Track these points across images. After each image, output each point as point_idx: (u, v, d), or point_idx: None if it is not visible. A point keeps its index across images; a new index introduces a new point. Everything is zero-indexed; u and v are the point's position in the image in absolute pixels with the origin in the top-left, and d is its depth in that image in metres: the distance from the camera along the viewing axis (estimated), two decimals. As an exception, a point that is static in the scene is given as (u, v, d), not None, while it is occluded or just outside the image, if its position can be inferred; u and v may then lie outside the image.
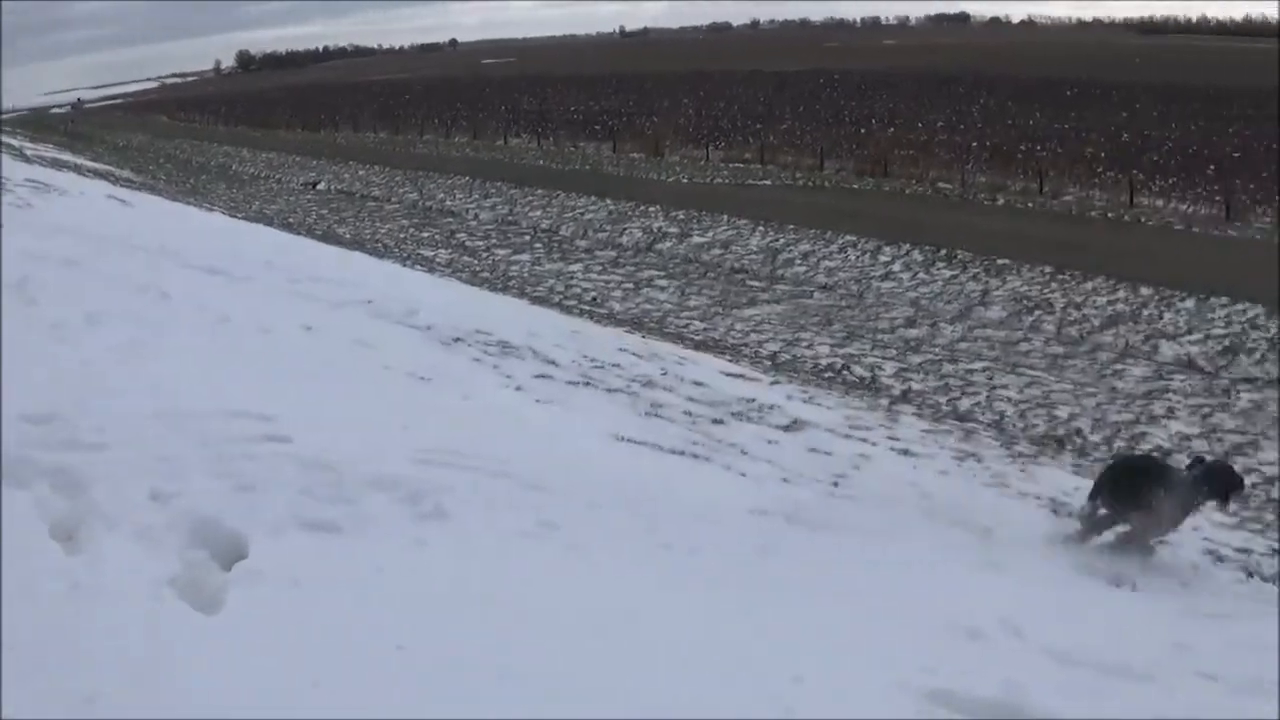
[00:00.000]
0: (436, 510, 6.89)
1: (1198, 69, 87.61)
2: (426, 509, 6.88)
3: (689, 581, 6.99)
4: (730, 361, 20.04)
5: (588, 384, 15.11)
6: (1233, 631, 8.21)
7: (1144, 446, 16.54)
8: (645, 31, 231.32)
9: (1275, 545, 12.42)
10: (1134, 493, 10.06)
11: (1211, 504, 10.45)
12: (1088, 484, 14.07)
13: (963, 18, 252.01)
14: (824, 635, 6.34)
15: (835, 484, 12.25)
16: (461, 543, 6.57)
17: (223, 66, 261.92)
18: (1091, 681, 6.34)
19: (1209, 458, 12.45)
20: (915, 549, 9.47)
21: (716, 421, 14.36)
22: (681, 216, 37.99)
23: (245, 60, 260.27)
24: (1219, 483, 10.26)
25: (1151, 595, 9.24)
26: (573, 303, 26.21)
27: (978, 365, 21.02)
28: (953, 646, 6.53)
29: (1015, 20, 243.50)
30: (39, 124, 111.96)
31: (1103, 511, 10.43)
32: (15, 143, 57.51)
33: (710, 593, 6.79)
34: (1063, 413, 18.24)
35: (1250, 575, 10.84)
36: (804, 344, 22.43)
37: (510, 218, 40.73)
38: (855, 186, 46.93)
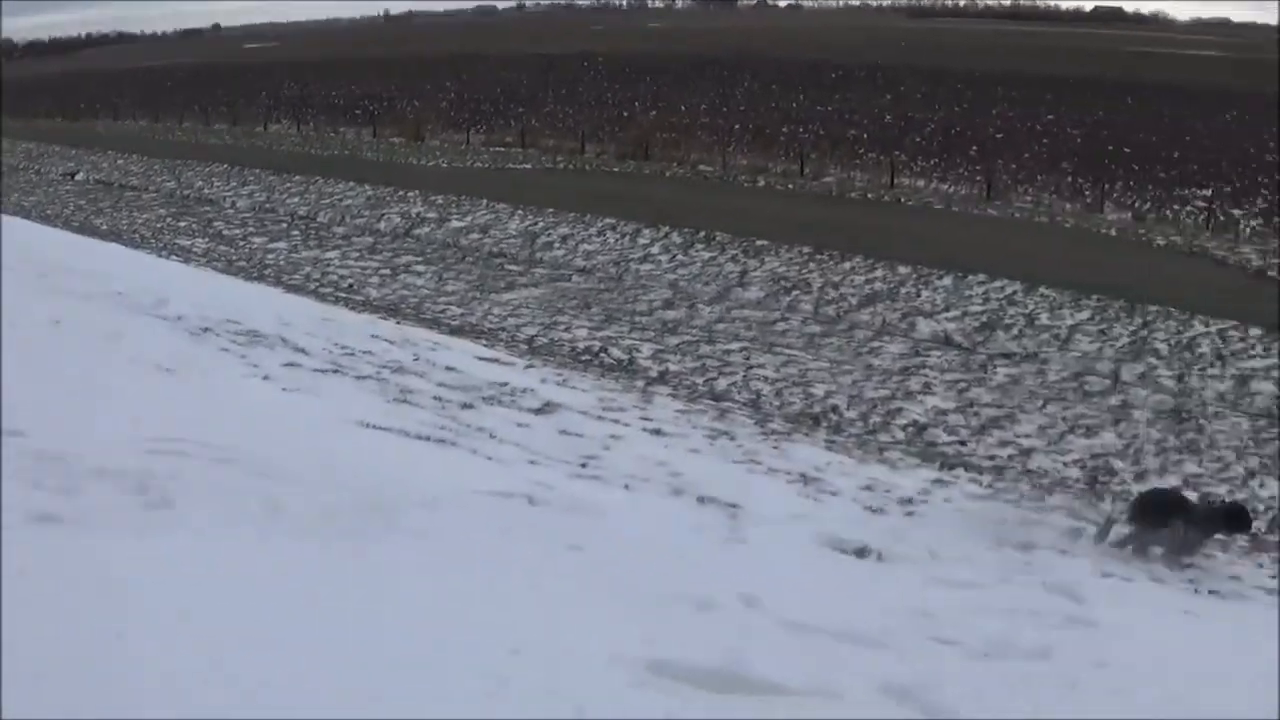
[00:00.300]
0: (163, 499, 6.76)
1: (963, 53, 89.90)
2: (154, 498, 6.77)
3: (414, 563, 6.83)
4: (486, 346, 19.89)
5: (337, 371, 14.77)
6: (974, 598, 8.25)
7: (989, 439, 16.80)
8: (410, 15, 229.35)
9: (1030, 516, 12.61)
10: (1160, 518, 11.62)
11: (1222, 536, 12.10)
12: (841, 459, 14.32)
13: (730, 1, 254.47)
14: (549, 611, 6.23)
15: (584, 465, 12.12)
16: (185, 530, 6.34)
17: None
18: (823, 648, 6.30)
19: (1228, 498, 13.69)
20: (661, 526, 9.43)
21: (466, 406, 14.15)
22: (440, 201, 37.71)
23: (7, 49, 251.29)
24: (1232, 521, 11.86)
25: (896, 565, 9.26)
26: (328, 290, 25.82)
27: (735, 345, 21.14)
28: (681, 619, 6.48)
29: (783, 4, 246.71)
30: None
31: (1129, 529, 11.74)
32: None
33: (432, 574, 6.65)
34: (819, 390, 18.41)
35: (1000, 543, 10.94)
36: (562, 327, 22.37)
37: (268, 205, 39.98)
38: (616, 170, 46.99)
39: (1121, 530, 11.76)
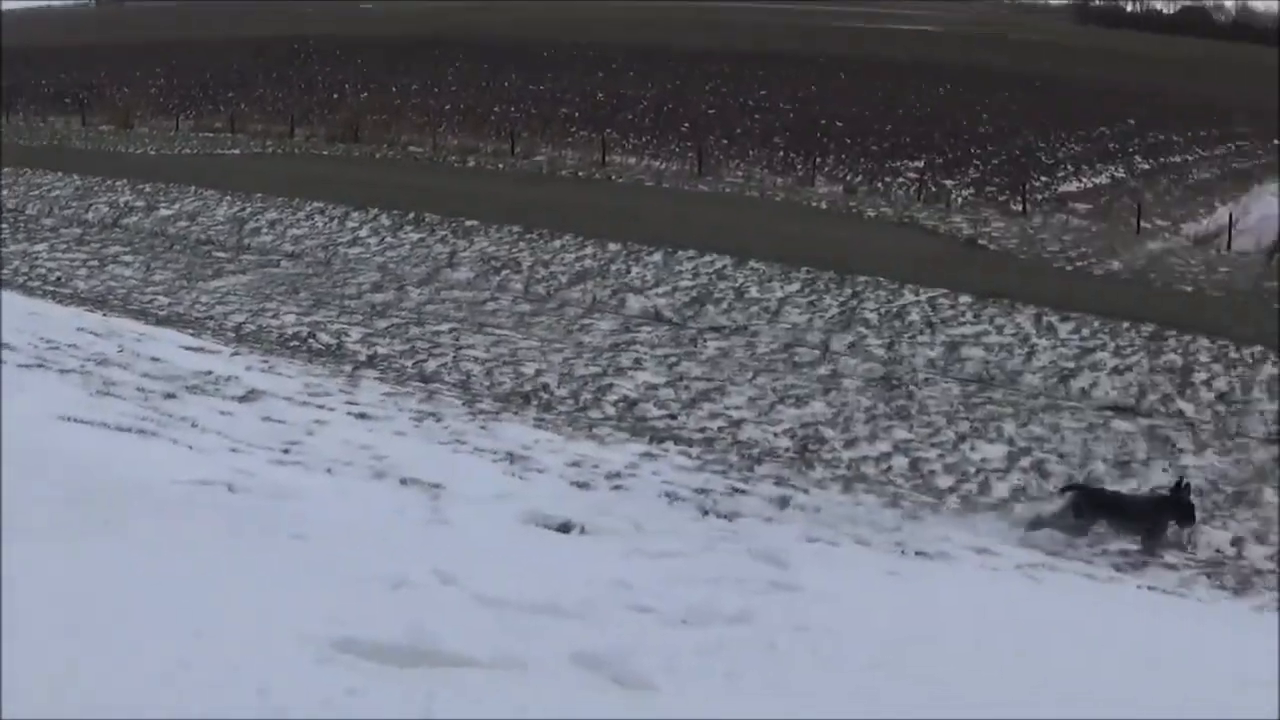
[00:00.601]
0: None
1: (675, 29, 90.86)
2: None
3: (108, 553, 6.77)
4: (192, 335, 19.44)
5: (40, 365, 14.27)
6: (676, 567, 8.31)
7: (700, 412, 16.93)
8: (121, 1, 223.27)
9: (735, 485, 12.77)
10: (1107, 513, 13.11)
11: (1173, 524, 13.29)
12: (550, 437, 14.31)
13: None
14: (240, 595, 6.23)
15: (286, 451, 12.03)
16: None
17: None
18: (516, 621, 6.36)
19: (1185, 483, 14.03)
20: (361, 509, 9.42)
21: (169, 396, 13.88)
22: (148, 189, 36.63)
23: None
24: (1179, 510, 13.28)
25: (600, 538, 9.29)
26: (36, 283, 24.88)
27: (445, 327, 21.02)
28: (374, 598, 6.51)
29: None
30: None
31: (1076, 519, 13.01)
32: None
33: (125, 563, 6.61)
34: (529, 370, 18.41)
35: (705, 513, 11.03)
36: (269, 314, 21.96)
37: (-27, 200, 38.45)
38: (326, 153, 46.32)
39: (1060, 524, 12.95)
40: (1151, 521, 13.09)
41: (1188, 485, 13.77)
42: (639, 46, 79.48)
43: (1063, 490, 13.92)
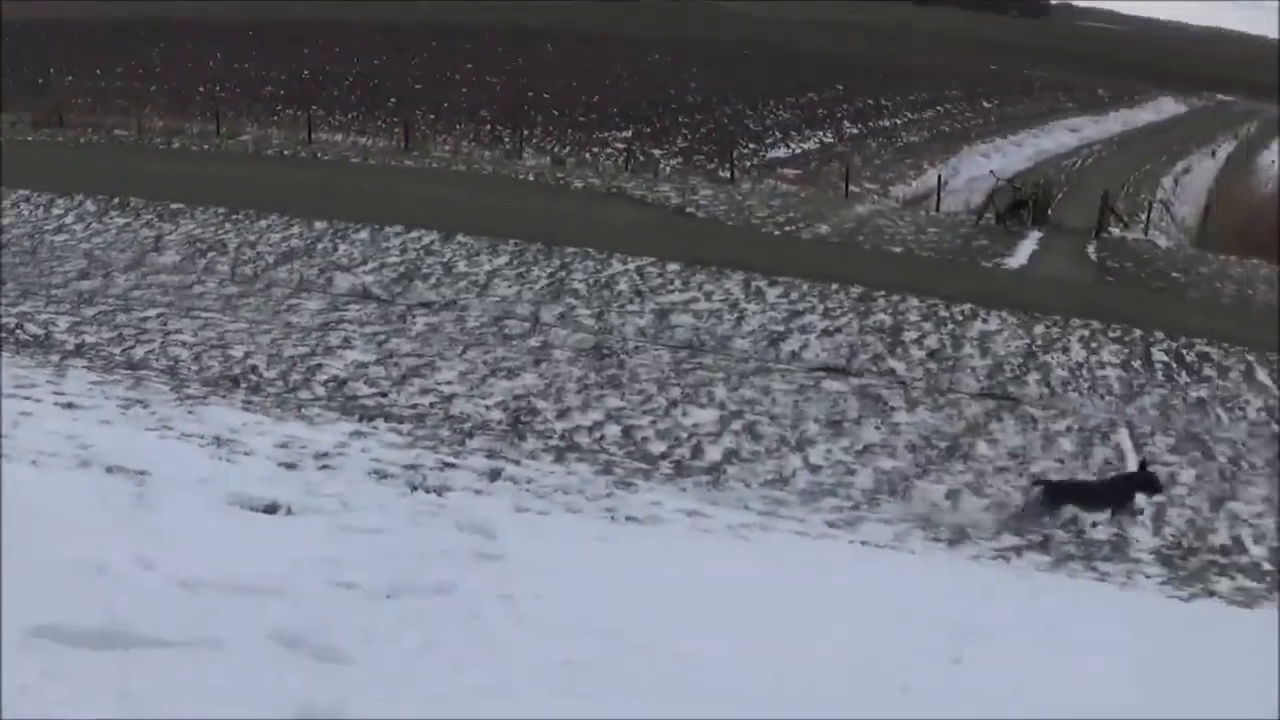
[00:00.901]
0: None
1: (381, 4, 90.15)
2: None
3: None
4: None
5: None
6: (382, 543, 8.36)
7: (410, 388, 16.81)
8: None
9: (446, 460, 12.81)
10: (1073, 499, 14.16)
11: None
12: (259, 419, 14.18)
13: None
14: None
15: (-14, 447, 11.63)
16: None
17: None
18: (214, 602, 6.40)
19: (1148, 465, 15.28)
20: (65, 498, 9.28)
21: None
22: None
23: None
24: (1146, 484, 14.44)
25: (306, 517, 9.27)
26: None
27: (152, 312, 20.54)
28: (72, 586, 6.43)
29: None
30: None
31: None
32: None
33: None
34: (238, 352, 18.15)
35: (415, 489, 11.06)
36: (-27, 308, 21.22)
37: None
38: (31, 138, 44.77)
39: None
40: (1117, 499, 14.17)
41: (1145, 463, 15.31)
42: (342, 20, 78.72)
43: (1032, 485, 14.72)
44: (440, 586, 7.26)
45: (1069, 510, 13.91)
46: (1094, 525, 13.70)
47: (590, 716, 5.65)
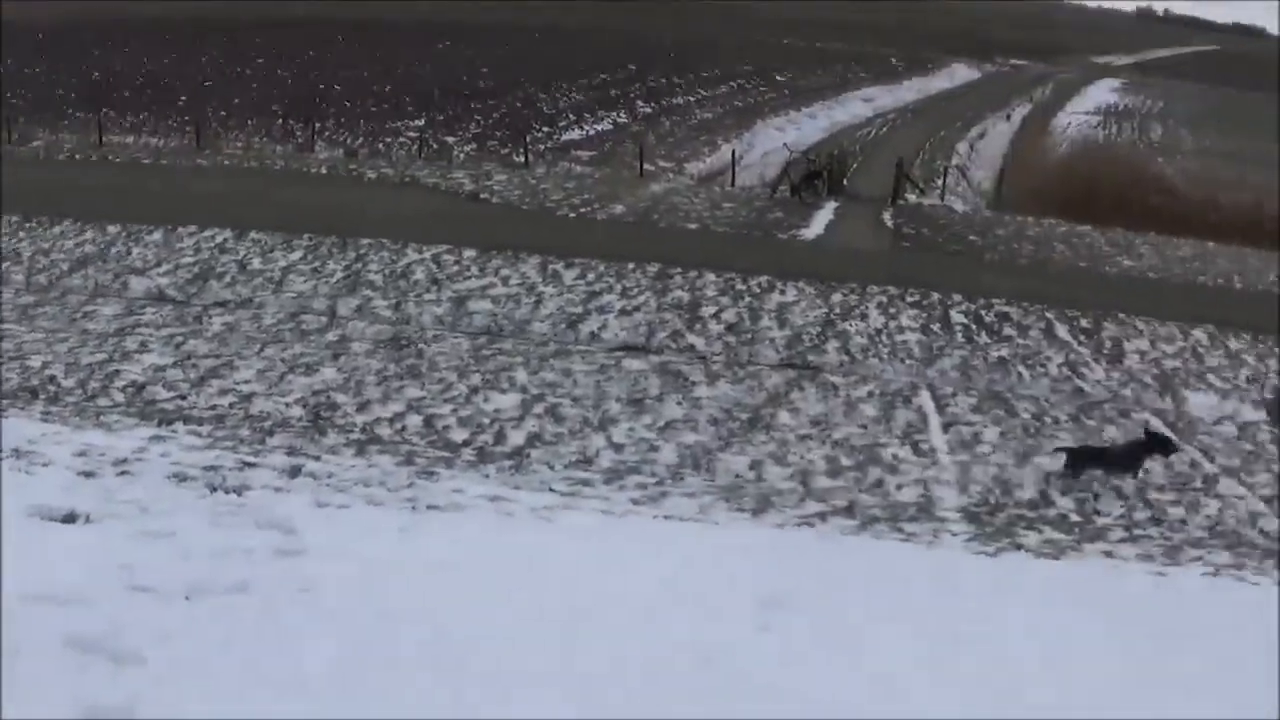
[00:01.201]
0: None
1: (173, 3, 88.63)
2: None
3: None
4: None
5: None
6: (180, 546, 8.43)
7: (209, 389, 16.70)
8: None
9: (245, 459, 12.82)
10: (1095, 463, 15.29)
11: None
12: (57, 429, 14.01)
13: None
14: None
15: None
16: None
17: None
18: (9, 611, 6.38)
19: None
20: None
21: None
22: None
23: None
24: (1161, 445, 15.51)
25: (105, 524, 9.26)
26: None
27: (-55, 327, 20.15)
28: None
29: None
30: None
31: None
32: None
33: None
34: (35, 362, 17.86)
35: (214, 490, 11.08)
36: None
37: None
38: None
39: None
40: (1135, 461, 15.24)
41: (1148, 425, 17.07)
42: (133, 19, 77.29)
43: (1055, 452, 15.89)
44: (238, 585, 7.36)
45: (1093, 473, 15.10)
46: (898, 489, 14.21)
47: (385, 702, 5.82)
